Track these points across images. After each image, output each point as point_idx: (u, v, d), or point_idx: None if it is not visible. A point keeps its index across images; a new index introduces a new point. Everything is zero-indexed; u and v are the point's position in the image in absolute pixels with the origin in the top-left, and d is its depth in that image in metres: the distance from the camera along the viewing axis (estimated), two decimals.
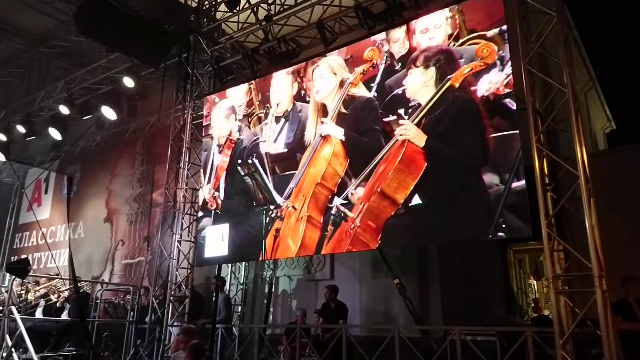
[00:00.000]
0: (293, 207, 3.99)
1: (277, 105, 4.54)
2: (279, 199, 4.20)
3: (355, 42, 5.32)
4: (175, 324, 6.96)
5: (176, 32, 7.72)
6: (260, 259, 4.48)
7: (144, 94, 10.50)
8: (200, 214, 5.44)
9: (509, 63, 3.23)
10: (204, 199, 5.12)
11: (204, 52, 8.17)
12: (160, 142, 9.96)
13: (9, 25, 10.93)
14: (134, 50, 7.55)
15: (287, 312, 8.62)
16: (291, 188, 4.04)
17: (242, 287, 8.88)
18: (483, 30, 3.26)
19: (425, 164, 3.33)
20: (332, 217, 3.83)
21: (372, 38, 3.98)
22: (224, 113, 5.10)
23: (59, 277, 8.40)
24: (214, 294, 7.27)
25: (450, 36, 3.37)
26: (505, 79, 3.11)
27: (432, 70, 3.36)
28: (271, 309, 8.62)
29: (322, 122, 4.00)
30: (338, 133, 4.00)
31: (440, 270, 6.93)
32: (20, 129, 10.77)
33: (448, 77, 3.30)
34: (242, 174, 4.48)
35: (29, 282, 7.93)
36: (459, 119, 3.24)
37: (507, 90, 3.11)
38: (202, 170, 5.57)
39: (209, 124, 5.48)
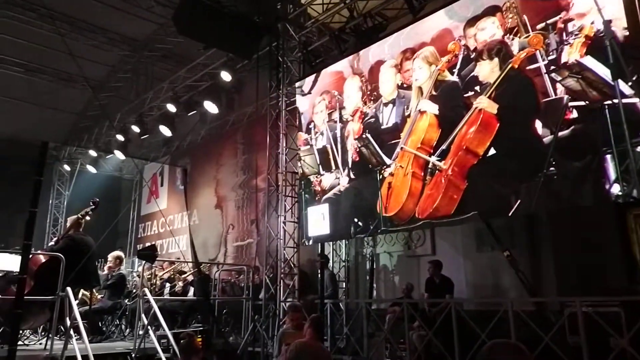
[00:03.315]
0: (400, 166, 5.30)
1: (385, 92, 5.67)
2: (388, 161, 5.48)
3: (444, 7, 5.53)
4: (288, 299, 7.37)
5: (265, 22, 7.97)
6: (378, 206, 5.57)
7: (239, 86, 11.03)
8: (341, 176, 6.27)
9: (553, 47, 4.26)
10: (352, 154, 6.17)
11: (292, 38, 8.35)
12: (258, 131, 10.43)
13: (115, 34, 11.92)
14: (228, 44, 7.91)
15: (390, 287, 8.71)
16: (397, 152, 5.33)
17: (344, 264, 9.11)
18: (534, 25, 4.40)
19: (498, 125, 4.51)
20: (429, 170, 5.04)
21: (454, 33, 5.10)
22: (355, 88, 6.09)
23: (182, 260, 9.25)
24: (319, 271, 7.56)
25: (509, 30, 4.53)
26: (551, 61, 4.21)
27: (496, 60, 4.55)
28: (374, 285, 8.76)
29: (420, 101, 5.21)
30: (433, 108, 5.13)
31: (553, 239, 6.57)
32: (135, 128, 11.84)
33: (509, 60, 4.44)
34: (359, 145, 5.78)
35: (156, 267, 8.82)
36: (519, 90, 4.42)
37: (552, 67, 4.19)
38: (339, 138, 6.38)
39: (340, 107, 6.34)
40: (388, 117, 5.50)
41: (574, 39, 4.14)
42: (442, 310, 5.74)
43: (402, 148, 5.24)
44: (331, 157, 6.31)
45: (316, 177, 6.45)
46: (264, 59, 8.29)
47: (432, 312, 6.27)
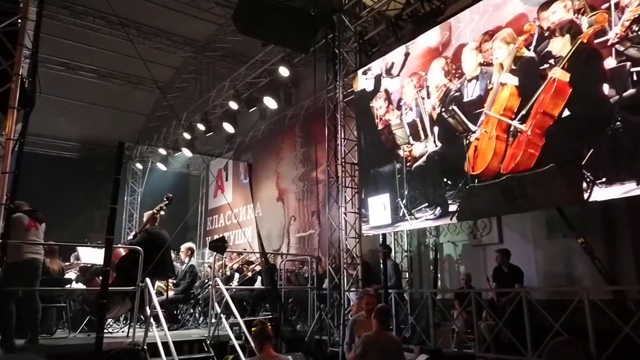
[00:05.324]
0: (485, 130, 5.98)
1: (468, 70, 6.38)
2: (473, 128, 6.16)
3: None
4: (351, 289, 7.46)
5: (321, 14, 8.00)
6: (465, 167, 6.21)
7: (296, 80, 11.18)
8: (430, 144, 6.91)
9: (616, 23, 4.77)
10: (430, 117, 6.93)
11: (347, 29, 8.35)
12: (316, 124, 10.54)
13: (178, 36, 12.48)
14: (285, 40, 8.02)
15: (455, 277, 8.56)
16: (482, 119, 6.04)
17: (406, 254, 9.05)
18: (599, 6, 4.95)
19: (570, 90, 5.08)
20: (511, 132, 5.65)
21: (529, 17, 5.71)
22: (439, 69, 6.82)
23: (250, 251, 9.59)
24: (382, 261, 7.58)
25: (577, 11, 5.14)
26: (615, 35, 4.75)
27: (567, 36, 5.17)
28: (439, 275, 8.65)
29: (501, 75, 5.90)
30: (513, 80, 5.75)
31: (632, 224, 6.20)
32: (200, 126, 12.35)
33: (578, 36, 5.06)
34: (446, 116, 6.56)
35: (225, 258, 9.19)
36: (587, 61, 5.00)
37: (616, 40, 4.73)
38: (426, 112, 7.04)
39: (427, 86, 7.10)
40: (472, 91, 6.31)
41: (632, 15, 4.70)
42: (512, 300, 5.60)
43: (486, 114, 6.00)
44: (420, 128, 7.07)
45: (407, 146, 7.23)
46: (320, 51, 8.35)
47: (501, 301, 6.13)
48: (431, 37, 7.01)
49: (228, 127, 11.77)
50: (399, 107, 7.49)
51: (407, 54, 7.44)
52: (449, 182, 6.51)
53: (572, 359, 1.70)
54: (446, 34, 6.83)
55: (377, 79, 7.92)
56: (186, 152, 13.78)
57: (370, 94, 8.02)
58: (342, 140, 8.20)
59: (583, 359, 1.70)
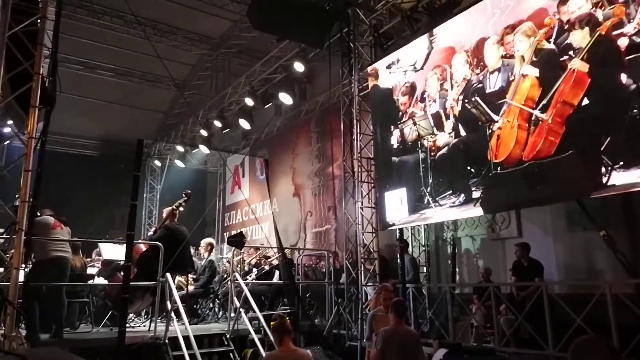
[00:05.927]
0: (507, 120, 6.14)
1: (491, 63, 6.56)
2: (496, 117, 6.32)
3: None
4: (369, 284, 7.46)
5: (335, 8, 7.98)
6: (488, 155, 6.32)
7: (311, 76, 11.16)
8: (453, 135, 7.03)
9: (634, 15, 4.90)
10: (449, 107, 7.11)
11: (362, 23, 8.30)
12: (331, 118, 10.53)
13: (194, 33, 12.54)
14: (300, 35, 8.02)
15: (474, 271, 8.49)
16: (504, 109, 6.18)
17: (424, 248, 9.01)
18: None
19: (589, 80, 5.23)
20: (533, 121, 5.79)
21: (549, 10, 5.85)
22: (462, 62, 6.97)
23: (268, 246, 9.66)
24: (399, 256, 7.55)
25: (595, 5, 5.30)
26: (633, 27, 4.91)
27: (586, 28, 5.32)
28: (457, 269, 8.60)
29: (522, 66, 6.07)
30: (534, 72, 5.89)
31: None
32: (217, 123, 12.43)
33: (597, 29, 5.21)
34: (469, 107, 6.71)
35: (243, 253, 9.26)
36: (606, 52, 5.15)
37: (634, 31, 4.89)
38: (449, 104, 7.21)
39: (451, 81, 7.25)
40: (494, 83, 6.51)
41: None
42: (532, 294, 5.54)
43: (508, 104, 6.20)
44: (444, 119, 7.24)
45: (431, 137, 7.40)
46: (334, 46, 8.32)
47: (520, 296, 6.07)
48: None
49: (244, 124, 11.83)
50: (422, 100, 7.60)
51: (430, 48, 7.49)
52: (473, 170, 6.67)
53: (597, 356, 1.68)
54: None
55: (402, 73, 7.90)
56: (203, 149, 13.90)
57: (394, 87, 7.97)
58: (358, 134, 8.18)
59: (608, 355, 1.68)
